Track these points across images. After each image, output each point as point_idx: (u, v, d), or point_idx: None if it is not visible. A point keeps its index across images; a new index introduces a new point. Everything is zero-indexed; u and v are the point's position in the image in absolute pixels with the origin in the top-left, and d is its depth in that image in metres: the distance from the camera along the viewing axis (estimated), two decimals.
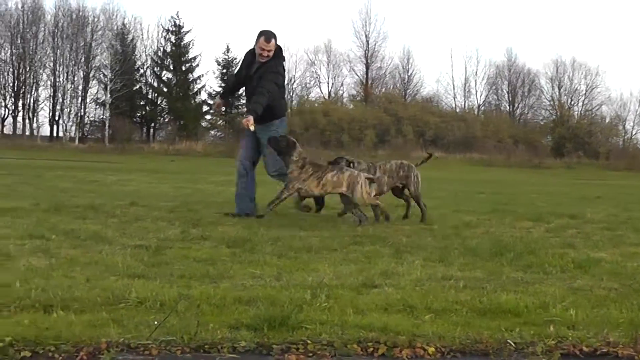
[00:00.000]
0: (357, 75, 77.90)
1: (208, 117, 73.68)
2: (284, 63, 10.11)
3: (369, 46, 76.61)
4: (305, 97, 76.51)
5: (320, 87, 79.11)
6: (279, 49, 9.89)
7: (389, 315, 4.37)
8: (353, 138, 64.57)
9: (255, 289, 4.89)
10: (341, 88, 78.98)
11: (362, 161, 10.17)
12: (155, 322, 3.93)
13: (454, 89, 79.39)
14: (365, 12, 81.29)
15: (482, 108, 79.60)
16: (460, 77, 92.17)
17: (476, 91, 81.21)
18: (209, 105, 72.27)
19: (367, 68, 77.05)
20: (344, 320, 4.18)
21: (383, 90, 78.85)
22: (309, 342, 3.81)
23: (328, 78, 78.26)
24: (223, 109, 12.05)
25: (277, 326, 3.98)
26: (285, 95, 10.22)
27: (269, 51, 9.70)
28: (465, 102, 79.43)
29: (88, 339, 3.66)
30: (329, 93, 77.74)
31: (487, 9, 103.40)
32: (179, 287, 4.80)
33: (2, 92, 71.13)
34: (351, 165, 9.79)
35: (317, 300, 4.57)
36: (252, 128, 9.56)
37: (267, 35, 9.74)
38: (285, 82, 10.81)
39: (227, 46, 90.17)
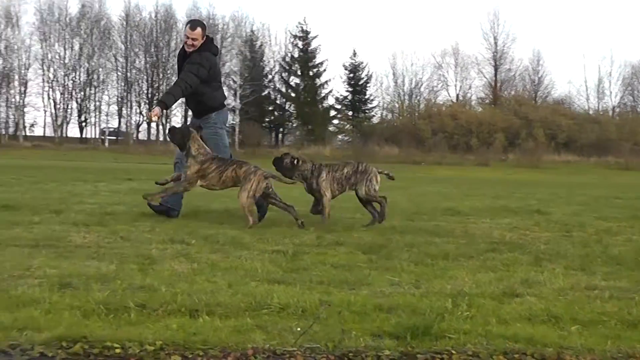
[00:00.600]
0: (485, 77, 76.96)
1: (335, 121, 74.18)
2: (209, 55, 9.62)
3: (498, 48, 75.60)
4: (433, 100, 76.06)
5: (447, 91, 78.53)
6: (208, 40, 9.69)
7: (533, 326, 4.26)
8: (482, 142, 63.70)
9: (395, 297, 4.85)
10: (469, 91, 78.24)
11: (307, 160, 9.62)
12: (299, 329, 3.96)
13: (586, 90, 77.51)
14: (493, 14, 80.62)
15: (617, 110, 77.17)
16: (593, 78, 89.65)
17: (610, 92, 78.88)
18: (336, 110, 72.84)
19: (496, 70, 75.96)
20: (488, 330, 4.10)
21: (512, 92, 77.53)
22: (453, 352, 3.75)
23: (455, 81, 77.64)
24: (156, 118, 11.28)
25: (420, 335, 3.94)
26: (221, 87, 9.68)
27: (193, 39, 9.48)
28: (598, 103, 77.28)
29: (234, 345, 3.72)
30: (457, 96, 77.07)
31: (620, 8, 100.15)
32: (319, 294, 4.82)
33: (137, 99, 73.59)
34: (295, 162, 9.41)
35: (458, 309, 4.49)
36: (154, 119, 9.50)
37: (192, 24, 9.65)
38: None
39: (354, 51, 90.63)
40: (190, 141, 8.91)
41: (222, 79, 67.15)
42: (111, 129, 73.65)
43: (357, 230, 8.51)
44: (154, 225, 8.28)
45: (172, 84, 9.48)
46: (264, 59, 74.65)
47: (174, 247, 6.76)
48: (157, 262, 5.94)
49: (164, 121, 60.53)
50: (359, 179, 9.34)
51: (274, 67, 74.59)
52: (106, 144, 70.24)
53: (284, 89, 73.68)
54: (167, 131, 9.29)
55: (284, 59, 73.47)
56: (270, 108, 74.11)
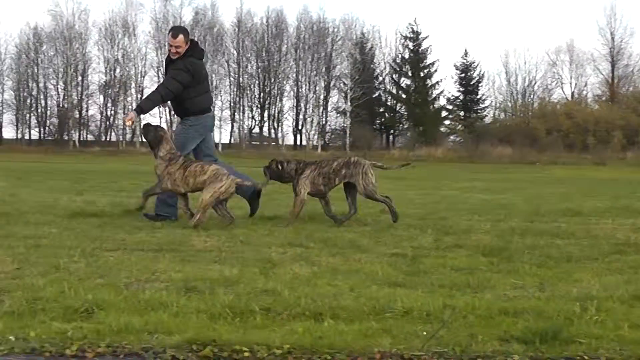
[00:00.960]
0: (601, 74, 74.81)
1: (447, 122, 73.62)
2: (193, 60, 9.55)
3: (615, 44, 73.37)
4: (547, 99, 74.48)
5: (562, 88, 76.76)
6: (193, 45, 9.63)
7: None
8: (599, 140, 61.93)
9: (520, 300, 4.76)
10: (585, 88, 76.24)
11: (292, 160, 9.60)
12: (424, 333, 3.93)
13: None
14: (610, 9, 78.40)
15: None
16: None
17: None
18: (447, 110, 72.30)
19: (613, 66, 73.75)
20: (620, 335, 3.97)
21: (631, 89, 75.15)
22: (586, 357, 3.66)
23: (570, 78, 75.82)
24: (130, 123, 11.02)
25: (549, 340, 3.85)
26: (207, 92, 9.93)
27: (176, 47, 9.44)
28: None
29: (361, 349, 3.72)
30: (572, 94, 75.25)
31: None
32: (442, 297, 4.77)
33: (249, 103, 74.68)
34: (280, 166, 9.34)
35: (587, 313, 4.37)
36: (128, 124, 9.46)
37: (174, 31, 9.62)
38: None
39: (465, 50, 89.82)
40: (163, 141, 8.93)
41: (333, 82, 67.52)
42: (255, 135, 74.80)
43: (475, 233, 8.40)
44: (272, 229, 8.37)
45: (154, 89, 9.55)
46: (375, 61, 74.75)
47: (294, 251, 6.82)
48: (277, 266, 6.00)
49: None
50: (352, 172, 9.24)
51: (385, 68, 74.62)
52: (220, 149, 71.50)
53: (394, 91, 73.56)
54: (141, 127, 9.32)
55: (394, 60, 73.37)
56: (380, 110, 74.10)
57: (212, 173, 8.69)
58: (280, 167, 9.36)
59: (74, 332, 3.88)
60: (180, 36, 9.46)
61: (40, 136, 74.82)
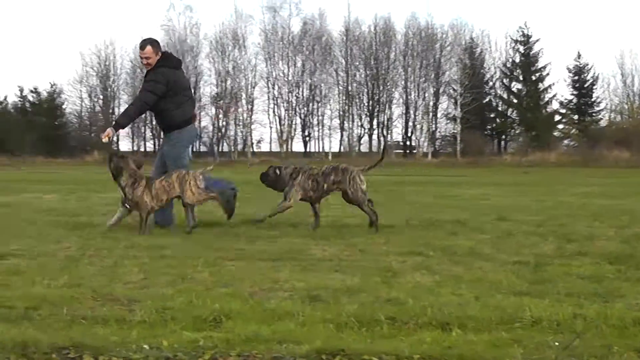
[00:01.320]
0: None
1: (560, 126, 72.02)
2: (165, 70, 9.51)
3: None
4: None
5: None
6: (165, 56, 9.61)
7: None
8: None
9: None
10: None
11: (289, 165, 9.66)
12: (557, 343, 3.83)
13: None
14: None
15: None
16: None
17: None
18: (561, 114, 70.76)
19: None
20: None
21: None
22: None
23: None
24: (106, 140, 10.85)
25: None
26: (186, 103, 9.84)
27: (146, 59, 9.48)
28: None
29: (492, 359, 3.65)
30: None
31: None
32: (571, 307, 4.65)
33: (358, 112, 74.81)
34: (277, 172, 9.41)
35: None
36: (104, 140, 9.37)
37: (141, 43, 9.57)
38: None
39: (578, 52, 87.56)
40: (124, 166, 8.95)
41: (442, 88, 67.02)
42: (397, 142, 75.05)
43: (598, 239, 8.18)
44: (389, 237, 8.34)
45: (130, 103, 9.59)
46: (484, 65, 73.77)
47: (413, 259, 6.77)
48: (398, 275, 5.97)
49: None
50: (340, 178, 9.30)
51: (495, 73, 73.49)
52: (330, 157, 71.88)
53: (505, 96, 72.41)
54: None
55: (504, 64, 72.23)
56: (491, 115, 73.08)
57: (178, 180, 8.92)
58: (278, 172, 9.48)
59: (205, 341, 3.94)
60: (148, 47, 9.54)
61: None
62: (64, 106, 74.75)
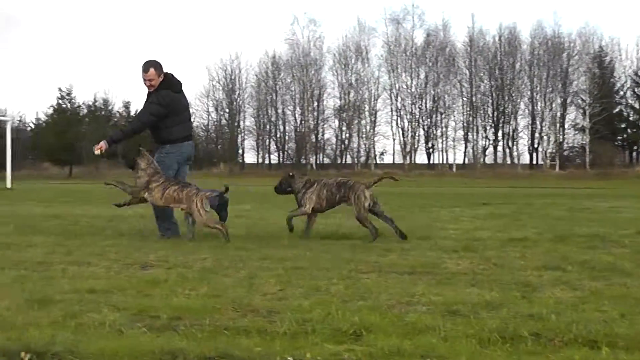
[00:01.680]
0: None
1: None
2: (167, 93, 9.86)
3: None
4: None
5: None
6: (167, 78, 9.79)
7: None
8: None
9: None
10: None
11: (303, 176, 9.95)
12: None
13: None
14: None
15: None
16: None
17: None
18: None
19: None
20: None
21: None
22: None
23: None
24: (98, 152, 10.77)
25: None
26: (186, 122, 10.23)
27: (149, 81, 9.76)
28: None
29: None
30: None
31: None
32: None
33: (482, 123, 73.97)
34: (290, 175, 9.94)
35: None
36: (96, 152, 9.65)
37: (144, 66, 9.77)
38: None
39: None
40: (140, 157, 9.51)
41: (570, 98, 65.56)
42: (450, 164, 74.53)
43: None
44: (524, 251, 8.19)
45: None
46: (614, 74, 71.78)
47: (551, 274, 6.60)
48: (537, 290, 5.83)
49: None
50: (347, 194, 9.56)
51: (626, 82, 71.45)
52: (454, 169, 71.30)
53: (637, 105, 70.23)
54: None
55: (636, 73, 70.08)
56: (622, 126, 71.02)
57: (187, 197, 9.24)
58: (291, 175, 9.93)
59: (348, 354, 3.93)
60: (151, 70, 9.83)
61: (279, 160, 77.95)
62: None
